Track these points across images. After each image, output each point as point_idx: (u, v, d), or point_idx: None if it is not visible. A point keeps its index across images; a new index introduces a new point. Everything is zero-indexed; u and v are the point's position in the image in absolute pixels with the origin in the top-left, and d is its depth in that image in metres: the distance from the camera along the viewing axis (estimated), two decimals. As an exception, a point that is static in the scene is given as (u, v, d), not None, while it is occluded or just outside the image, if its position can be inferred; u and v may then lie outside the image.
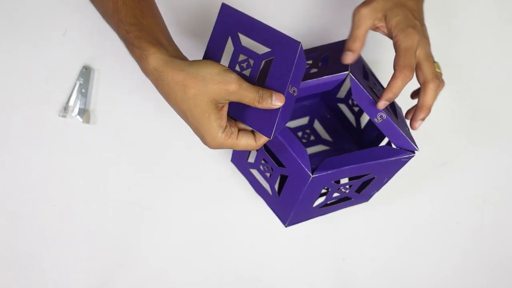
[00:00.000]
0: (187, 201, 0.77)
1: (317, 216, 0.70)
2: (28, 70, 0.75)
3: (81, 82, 0.73)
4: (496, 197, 0.79)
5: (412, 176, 0.78)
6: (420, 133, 0.78)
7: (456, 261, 0.79)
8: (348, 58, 0.59)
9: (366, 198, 0.71)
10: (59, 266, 0.75)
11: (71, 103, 0.73)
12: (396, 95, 0.56)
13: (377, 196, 0.78)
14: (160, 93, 0.53)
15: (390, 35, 0.59)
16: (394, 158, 0.60)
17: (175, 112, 0.54)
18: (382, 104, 0.57)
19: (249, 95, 0.50)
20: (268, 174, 0.65)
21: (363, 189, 0.66)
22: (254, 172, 0.69)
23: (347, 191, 0.64)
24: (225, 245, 0.77)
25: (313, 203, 0.64)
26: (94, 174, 0.75)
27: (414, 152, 0.61)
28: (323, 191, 0.70)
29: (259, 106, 0.50)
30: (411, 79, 0.55)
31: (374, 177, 0.63)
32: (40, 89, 0.75)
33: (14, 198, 0.75)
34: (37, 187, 0.75)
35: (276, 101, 0.50)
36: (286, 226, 0.67)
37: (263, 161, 0.64)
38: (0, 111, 0.75)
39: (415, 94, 0.64)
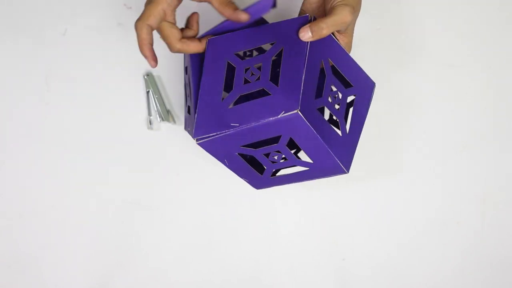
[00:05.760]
0: (187, 201, 0.76)
1: (357, 140, 0.59)
2: (28, 70, 0.75)
3: (150, 90, 0.74)
4: (496, 197, 0.79)
5: (411, 176, 0.78)
6: (419, 133, 0.78)
7: (456, 261, 0.79)
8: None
9: (366, 86, 0.60)
10: (59, 266, 0.75)
11: (151, 115, 0.74)
12: None
13: (376, 196, 0.78)
14: None
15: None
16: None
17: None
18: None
19: None
20: (277, 159, 0.57)
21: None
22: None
23: (337, 96, 0.57)
24: (224, 245, 0.77)
25: (333, 129, 0.56)
26: (94, 174, 0.75)
27: None
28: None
29: (224, 10, 0.52)
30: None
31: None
32: (40, 89, 0.75)
33: (14, 198, 0.75)
34: (37, 187, 0.75)
35: (241, 14, 0.52)
36: (348, 171, 0.58)
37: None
38: (0, 111, 0.75)
39: None
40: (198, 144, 0.56)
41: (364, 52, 0.75)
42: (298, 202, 0.77)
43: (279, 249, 0.77)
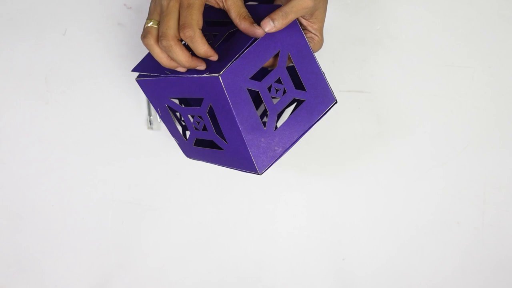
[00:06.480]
0: (187, 201, 0.77)
1: (291, 142, 0.55)
2: (28, 70, 0.75)
3: None
4: (496, 197, 0.79)
5: (412, 176, 0.78)
6: (420, 133, 0.78)
7: (456, 261, 0.79)
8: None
9: (323, 94, 0.56)
10: (59, 266, 0.75)
11: (152, 115, 0.75)
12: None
13: (377, 196, 0.78)
14: None
15: None
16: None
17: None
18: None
19: (240, 3, 0.50)
20: (199, 125, 0.56)
21: (296, 80, 0.56)
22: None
23: (279, 89, 0.53)
24: (225, 245, 0.77)
25: (258, 118, 0.52)
26: (94, 174, 0.75)
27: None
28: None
29: (240, 23, 0.50)
30: None
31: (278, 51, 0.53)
32: (40, 89, 0.75)
33: (14, 198, 0.75)
34: (37, 187, 0.75)
35: (258, 29, 0.50)
36: (260, 173, 0.53)
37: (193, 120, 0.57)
38: (0, 111, 0.75)
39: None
40: (136, 80, 0.60)
41: (364, 52, 0.75)
42: (298, 202, 0.78)
43: (279, 249, 0.77)
